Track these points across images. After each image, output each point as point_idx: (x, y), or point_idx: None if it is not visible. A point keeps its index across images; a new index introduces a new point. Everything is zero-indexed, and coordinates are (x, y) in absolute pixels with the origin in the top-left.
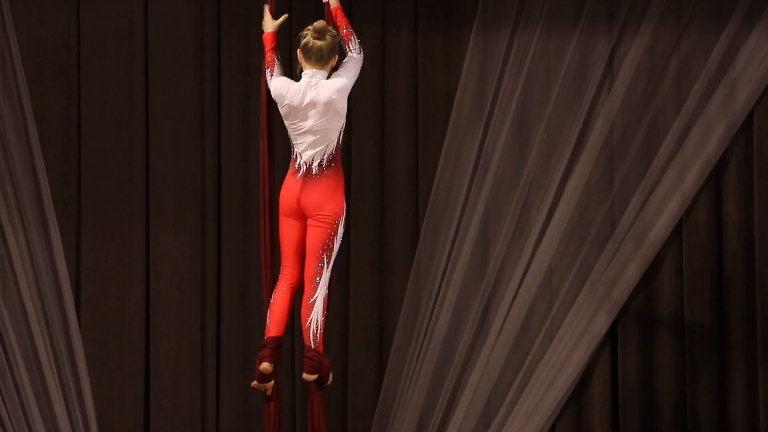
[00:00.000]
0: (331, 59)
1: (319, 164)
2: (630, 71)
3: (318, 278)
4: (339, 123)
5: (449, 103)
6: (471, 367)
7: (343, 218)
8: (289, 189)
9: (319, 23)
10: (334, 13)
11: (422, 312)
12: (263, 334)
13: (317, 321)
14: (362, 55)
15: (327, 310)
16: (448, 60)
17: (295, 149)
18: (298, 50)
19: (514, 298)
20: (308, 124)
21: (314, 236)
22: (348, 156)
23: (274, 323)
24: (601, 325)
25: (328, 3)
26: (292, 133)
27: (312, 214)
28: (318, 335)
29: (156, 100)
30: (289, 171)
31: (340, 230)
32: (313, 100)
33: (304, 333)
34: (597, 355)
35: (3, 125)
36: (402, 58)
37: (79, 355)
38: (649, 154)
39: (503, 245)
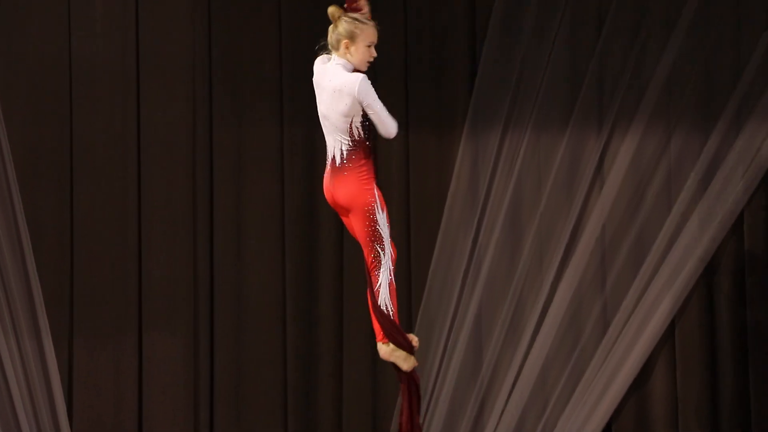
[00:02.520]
0: (339, 45)
1: (340, 154)
2: (620, 172)
3: (377, 271)
4: (345, 114)
5: (441, 203)
6: None
7: (377, 205)
8: (325, 186)
9: (330, 8)
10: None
11: None
12: None
13: (387, 307)
14: (391, 122)
15: (396, 297)
16: (439, 161)
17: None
18: None
19: (508, 397)
20: (322, 108)
21: (359, 230)
22: (340, 257)
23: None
24: (595, 426)
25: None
26: (321, 121)
27: (348, 211)
28: (391, 326)
29: (148, 203)
30: (328, 164)
31: (380, 216)
32: (331, 86)
33: (375, 327)
34: None
35: None
36: (394, 159)
37: None
38: (641, 254)
39: (497, 344)
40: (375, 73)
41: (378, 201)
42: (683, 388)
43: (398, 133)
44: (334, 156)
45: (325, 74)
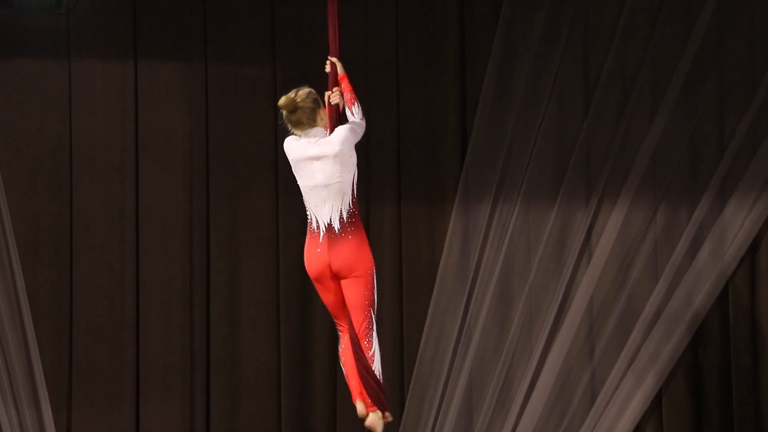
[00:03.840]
0: (315, 114)
1: (340, 220)
2: (608, 243)
3: (369, 337)
4: (350, 174)
5: (433, 273)
6: None
7: (374, 270)
8: (315, 255)
9: (281, 101)
10: (340, 80)
11: None
12: None
13: (380, 375)
14: (364, 121)
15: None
16: (431, 233)
17: (310, 211)
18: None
19: None
20: (319, 178)
21: (356, 294)
22: (333, 326)
23: (355, 392)
24: None
25: (334, 66)
26: (305, 194)
27: (347, 275)
28: (380, 391)
29: (146, 277)
30: (309, 237)
31: (375, 282)
32: (319, 153)
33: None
34: None
35: None
36: (386, 231)
37: None
38: (628, 325)
39: (487, 414)
40: (368, 145)
41: (374, 268)
42: None
43: (390, 205)
44: (331, 224)
45: (308, 148)
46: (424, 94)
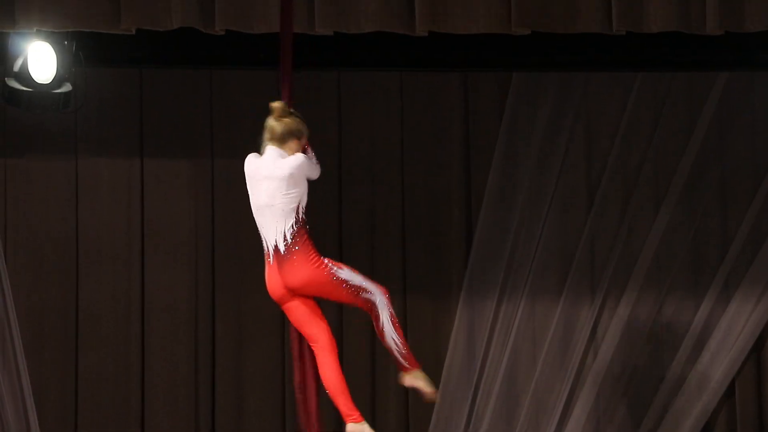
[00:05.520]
0: (287, 140)
1: (284, 241)
2: (613, 340)
3: (376, 310)
4: (296, 198)
5: (438, 369)
6: None
7: (333, 267)
8: (272, 279)
9: (276, 103)
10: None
11: None
12: None
13: (397, 342)
14: (319, 166)
15: (400, 328)
16: (436, 328)
17: (260, 233)
18: None
19: None
20: (263, 199)
21: (338, 297)
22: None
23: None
24: None
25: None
26: (254, 214)
27: (310, 291)
28: (405, 355)
29: (151, 368)
30: (266, 262)
31: (344, 273)
32: (270, 174)
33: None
34: None
35: (0, 392)
36: None
37: None
38: (635, 422)
39: None
40: (373, 239)
41: (331, 264)
42: None
43: (395, 299)
44: (276, 246)
45: (263, 167)
46: (428, 188)
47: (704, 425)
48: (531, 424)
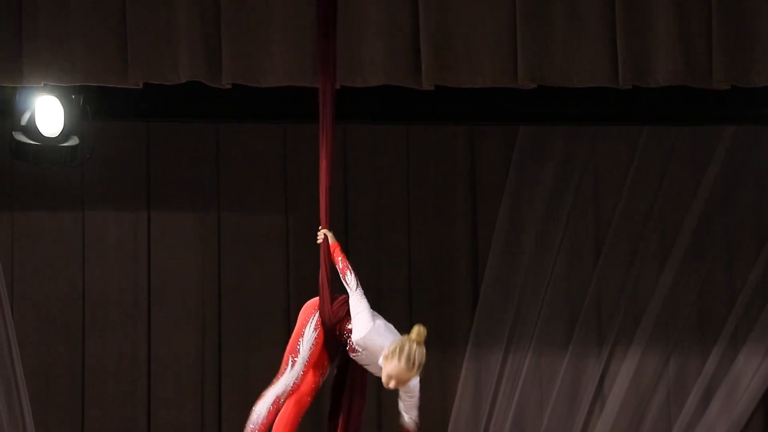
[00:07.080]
0: (409, 368)
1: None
2: (620, 393)
3: (279, 377)
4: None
5: (445, 422)
6: None
7: (312, 321)
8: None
9: (423, 335)
10: (331, 250)
11: None
12: None
13: (258, 415)
14: (360, 289)
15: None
16: (442, 380)
17: None
18: None
19: None
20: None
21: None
22: None
23: None
24: None
25: (325, 238)
26: None
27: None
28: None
29: (158, 428)
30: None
31: (307, 331)
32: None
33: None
34: None
35: None
36: None
37: None
38: None
39: None
40: (379, 292)
41: (315, 320)
42: None
43: None
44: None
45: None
46: (435, 242)
47: None
48: None
